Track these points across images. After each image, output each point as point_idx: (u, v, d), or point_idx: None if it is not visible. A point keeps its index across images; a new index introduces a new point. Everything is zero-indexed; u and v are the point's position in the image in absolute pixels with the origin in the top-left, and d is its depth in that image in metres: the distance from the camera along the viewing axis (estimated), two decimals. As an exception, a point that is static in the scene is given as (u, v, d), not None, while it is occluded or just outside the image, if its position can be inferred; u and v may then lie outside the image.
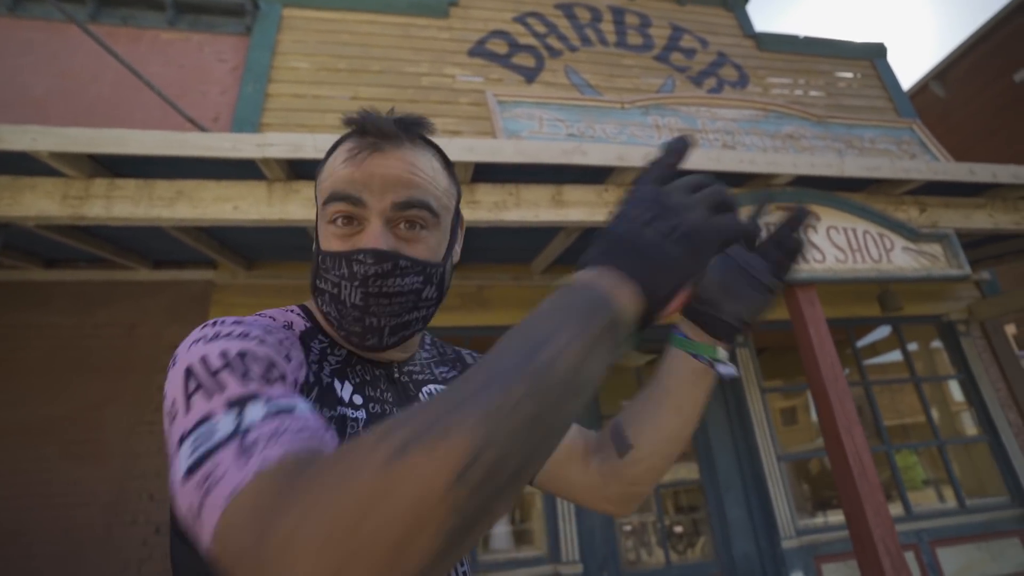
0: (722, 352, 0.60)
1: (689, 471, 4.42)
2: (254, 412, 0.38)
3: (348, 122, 0.59)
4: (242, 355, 0.44)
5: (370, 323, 0.55)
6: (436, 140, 0.65)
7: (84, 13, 4.22)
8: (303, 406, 0.40)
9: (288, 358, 0.49)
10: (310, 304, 0.64)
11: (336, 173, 0.57)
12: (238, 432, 0.36)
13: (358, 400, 0.56)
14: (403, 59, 4.47)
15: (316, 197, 0.63)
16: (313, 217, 2.06)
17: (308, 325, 0.60)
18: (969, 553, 3.73)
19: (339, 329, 0.56)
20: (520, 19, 4.97)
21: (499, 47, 4.75)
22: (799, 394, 6.90)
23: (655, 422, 0.64)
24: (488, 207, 2.09)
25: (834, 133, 3.05)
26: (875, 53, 5.54)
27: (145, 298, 3.46)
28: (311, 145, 1.85)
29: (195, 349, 0.44)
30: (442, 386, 0.68)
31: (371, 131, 0.57)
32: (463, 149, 1.91)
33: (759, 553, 3.53)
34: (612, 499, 0.68)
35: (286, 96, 4.10)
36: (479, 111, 4.38)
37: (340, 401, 0.54)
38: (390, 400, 0.59)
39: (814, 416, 7.21)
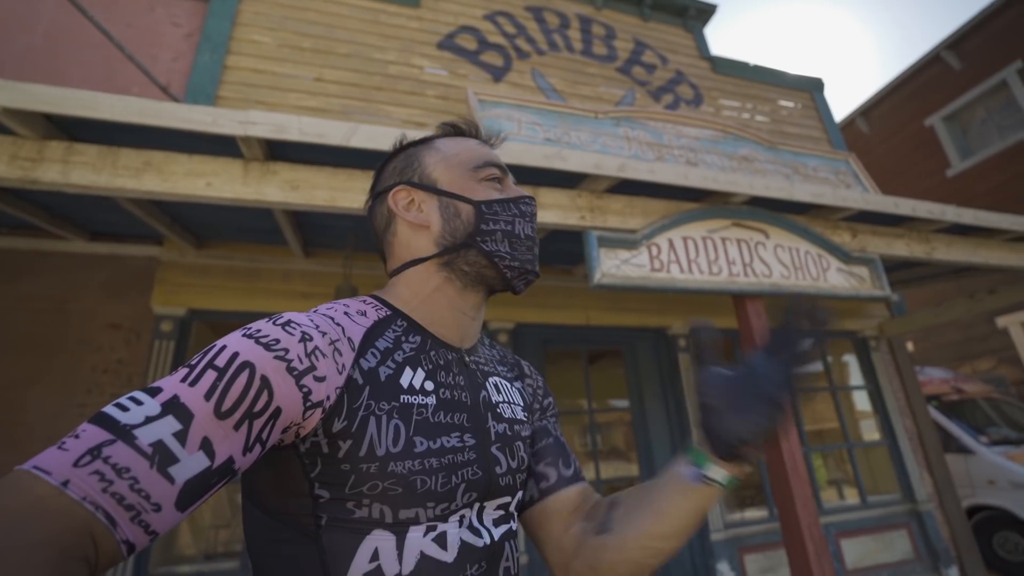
0: (718, 472, 0.56)
1: (619, 468, 4.66)
2: (158, 428, 0.42)
3: (453, 124, 0.75)
4: (244, 368, 0.47)
5: (536, 252, 0.69)
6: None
7: (18, -45, 3.83)
8: (184, 465, 0.42)
9: (318, 376, 0.51)
10: (383, 293, 0.69)
11: (479, 149, 0.71)
12: (126, 431, 0.41)
13: (429, 386, 0.59)
14: (371, 44, 4.39)
15: (441, 169, 0.69)
16: (288, 200, 2.02)
17: (384, 314, 0.64)
18: (866, 544, 4.16)
19: (512, 261, 0.66)
20: (491, 17, 5.00)
21: (468, 43, 4.76)
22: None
23: (637, 517, 0.61)
24: (468, 203, 2.13)
25: (783, 159, 3.33)
26: (814, 86, 6.01)
27: (78, 271, 3.21)
28: (296, 127, 1.82)
29: (236, 337, 0.51)
30: (505, 381, 0.72)
31: (479, 134, 0.76)
32: (450, 145, 1.94)
33: (689, 544, 3.78)
34: (571, 573, 0.66)
35: (245, 70, 3.93)
36: (445, 104, 4.38)
37: (403, 390, 0.57)
38: (462, 384, 0.64)
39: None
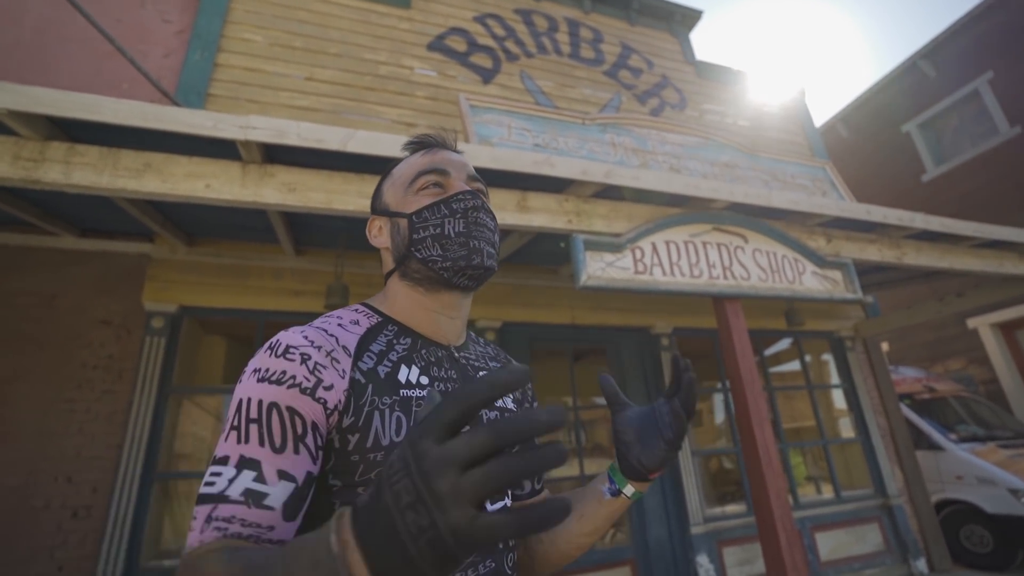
0: (630, 489, 0.71)
1: (603, 465, 4.76)
2: (241, 482, 0.53)
3: (413, 142, 0.80)
4: (272, 409, 0.56)
5: (473, 245, 0.70)
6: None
7: (5, -52, 3.80)
8: (275, 494, 0.53)
9: (326, 386, 0.59)
10: (373, 301, 0.77)
11: (417, 162, 0.76)
12: (222, 496, 0.53)
13: (424, 380, 0.67)
14: (361, 45, 4.43)
15: (387, 193, 0.77)
16: (285, 201, 2.08)
17: (375, 321, 0.71)
18: (839, 537, 4.32)
19: (444, 262, 0.70)
20: (480, 19, 5.06)
21: (458, 44, 4.82)
22: (704, 398, 7.50)
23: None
24: (460, 207, 2.20)
25: (763, 166, 3.46)
26: (796, 94, 6.17)
27: (68, 267, 3.21)
28: (295, 132, 1.87)
29: (251, 384, 0.58)
30: None
31: (435, 141, 0.80)
32: (443, 150, 2.01)
33: (670, 538, 3.90)
34: (520, 562, 0.79)
35: (237, 68, 3.94)
36: (435, 105, 4.43)
37: (402, 385, 0.65)
38: (454, 378, 0.71)
39: (718, 419, 7.93)
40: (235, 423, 0.57)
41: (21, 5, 3.78)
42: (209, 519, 0.52)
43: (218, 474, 0.54)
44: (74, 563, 2.74)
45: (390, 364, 0.66)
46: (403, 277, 0.74)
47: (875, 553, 4.40)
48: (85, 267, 3.24)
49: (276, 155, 2.06)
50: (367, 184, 2.16)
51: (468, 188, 0.73)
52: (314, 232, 3.23)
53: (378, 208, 0.78)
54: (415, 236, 0.71)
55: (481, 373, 0.77)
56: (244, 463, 0.54)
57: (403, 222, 0.73)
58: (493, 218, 0.75)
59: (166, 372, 3.11)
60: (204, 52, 3.88)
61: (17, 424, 2.92)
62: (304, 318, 3.51)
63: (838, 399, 5.18)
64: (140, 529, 2.81)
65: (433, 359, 0.71)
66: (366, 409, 0.60)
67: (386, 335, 0.69)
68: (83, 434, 2.95)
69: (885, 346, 9.27)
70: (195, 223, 3.08)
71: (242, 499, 0.52)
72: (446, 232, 0.70)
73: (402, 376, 0.65)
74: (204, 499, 0.53)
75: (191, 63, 3.83)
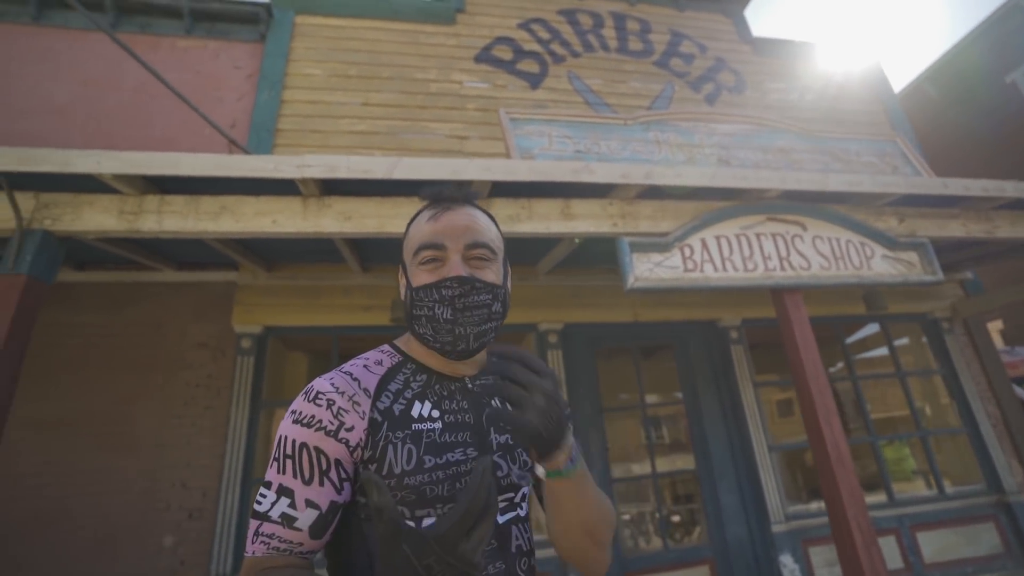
0: (540, 470, 0.71)
1: (686, 461, 4.65)
2: (280, 506, 0.66)
3: (425, 195, 0.85)
4: (303, 448, 0.69)
5: (459, 332, 0.75)
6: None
7: (105, 21, 4.36)
8: (302, 519, 0.66)
9: (347, 427, 0.70)
10: (399, 341, 0.86)
11: (422, 229, 0.80)
12: (265, 515, 0.67)
13: (435, 414, 0.76)
14: (412, 65, 4.63)
15: (404, 251, 0.84)
16: (343, 229, 2.26)
17: (396, 360, 0.81)
18: (946, 537, 3.97)
19: (435, 343, 0.76)
20: (524, 25, 5.13)
21: (504, 53, 4.92)
22: (788, 389, 7.06)
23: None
24: (503, 220, 2.30)
25: (823, 146, 3.25)
26: (870, 61, 5.72)
27: (170, 298, 3.64)
28: (344, 166, 2.04)
29: (288, 424, 0.71)
30: None
31: (444, 197, 0.83)
32: (481, 169, 2.11)
33: (750, 537, 3.77)
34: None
35: (301, 102, 4.27)
36: (485, 116, 4.55)
37: (414, 420, 0.74)
38: (465, 408, 0.79)
39: (806, 408, 7.42)
40: (276, 455, 0.70)
41: (122, 72, 4.29)
42: (256, 533, 0.66)
43: (264, 496, 0.68)
44: (192, 558, 3.11)
45: (405, 401, 0.75)
46: (411, 334, 0.81)
47: (992, 556, 4.00)
48: (183, 297, 3.65)
49: (332, 187, 2.24)
50: (415, 207, 2.30)
51: (455, 274, 0.75)
52: (377, 249, 3.44)
53: (401, 259, 0.85)
54: (414, 312, 0.78)
55: (496, 401, 0.83)
56: (282, 491, 0.67)
57: (408, 292, 0.79)
58: (490, 291, 0.77)
59: (256, 388, 3.44)
60: (271, 91, 4.24)
61: (140, 437, 3.35)
62: (373, 331, 3.75)
63: (941, 386, 4.73)
64: (244, 529, 3.14)
65: (446, 393, 0.79)
66: (381, 443, 0.71)
67: (404, 374, 0.79)
68: (192, 446, 3.33)
69: (999, 325, 8.32)
70: (271, 251, 3.38)
71: (280, 521, 0.66)
72: (436, 316, 0.75)
73: (415, 411, 0.75)
74: (255, 515, 0.67)
75: (260, 103, 4.19)
